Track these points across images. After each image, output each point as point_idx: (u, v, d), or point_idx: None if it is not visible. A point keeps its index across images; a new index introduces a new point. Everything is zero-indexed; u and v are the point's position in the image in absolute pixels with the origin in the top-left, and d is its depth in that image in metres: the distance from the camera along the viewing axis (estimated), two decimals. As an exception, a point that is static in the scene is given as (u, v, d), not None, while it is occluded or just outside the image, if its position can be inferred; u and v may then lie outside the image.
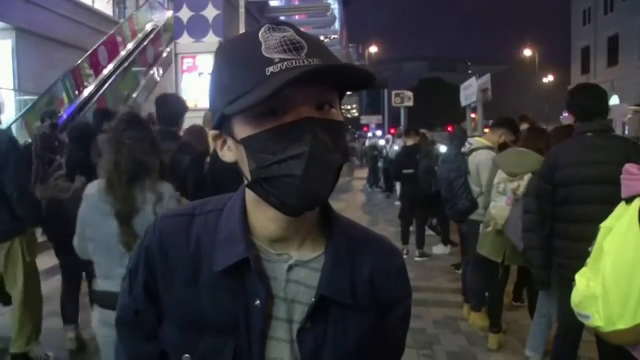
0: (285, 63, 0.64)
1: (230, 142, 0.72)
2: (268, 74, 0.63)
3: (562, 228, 2.57)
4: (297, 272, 0.75)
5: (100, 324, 1.97)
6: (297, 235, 0.76)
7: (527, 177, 3.20)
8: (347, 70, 0.65)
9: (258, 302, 0.72)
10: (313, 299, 0.73)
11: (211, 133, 0.75)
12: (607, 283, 1.57)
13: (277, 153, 0.65)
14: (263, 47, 0.66)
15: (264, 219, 0.74)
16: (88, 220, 2.05)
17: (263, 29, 0.68)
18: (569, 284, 1.82)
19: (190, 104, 11.35)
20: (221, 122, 0.71)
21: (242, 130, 0.68)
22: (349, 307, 0.75)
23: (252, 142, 0.67)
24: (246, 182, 0.73)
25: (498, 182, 3.38)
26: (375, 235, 0.87)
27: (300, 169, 0.65)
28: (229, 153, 0.73)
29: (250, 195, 0.75)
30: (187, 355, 0.74)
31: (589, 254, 1.75)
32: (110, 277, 1.96)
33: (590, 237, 1.78)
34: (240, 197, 0.78)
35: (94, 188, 2.05)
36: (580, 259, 1.83)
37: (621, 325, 1.54)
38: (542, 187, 2.64)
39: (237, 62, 0.68)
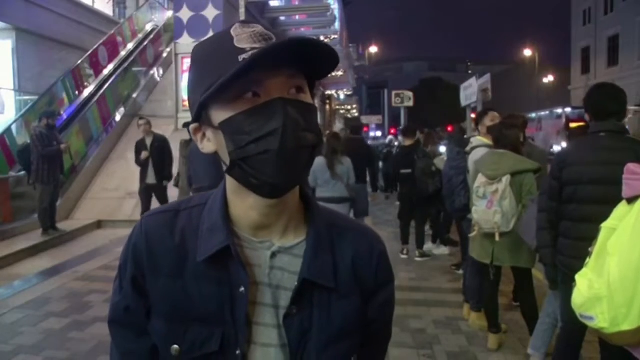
0: (256, 51, 0.69)
1: (209, 132, 0.76)
2: (240, 60, 0.68)
3: (566, 227, 2.56)
4: (280, 258, 0.78)
5: None
6: (278, 222, 0.79)
7: (505, 179, 3.18)
8: (310, 44, 0.69)
9: (242, 289, 0.75)
10: (296, 284, 0.76)
11: (191, 127, 0.79)
12: (613, 284, 1.56)
13: (252, 132, 0.69)
14: (235, 40, 0.71)
15: (245, 207, 0.78)
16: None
17: (234, 26, 0.73)
18: (572, 284, 1.82)
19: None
20: (199, 113, 0.75)
21: (219, 115, 0.72)
22: (332, 291, 0.78)
23: (229, 125, 0.71)
24: (225, 169, 0.76)
25: (478, 186, 3.36)
26: (355, 222, 0.91)
27: (275, 144, 0.69)
28: (209, 144, 0.77)
29: (230, 185, 0.79)
30: (175, 346, 0.76)
31: (589, 254, 1.75)
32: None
33: (593, 237, 1.77)
34: (221, 190, 0.81)
35: (320, 159, 4.74)
36: (583, 259, 1.82)
37: (626, 326, 1.54)
38: (550, 184, 2.63)
39: (212, 55, 0.73)
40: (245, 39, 0.71)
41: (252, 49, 0.69)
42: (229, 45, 0.71)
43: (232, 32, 0.72)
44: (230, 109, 0.71)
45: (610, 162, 2.31)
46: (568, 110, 22.58)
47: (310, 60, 0.72)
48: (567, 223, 2.55)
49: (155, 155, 6.95)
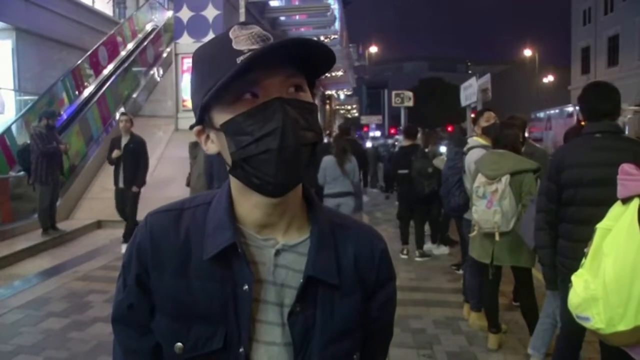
0: (253, 52, 0.69)
1: (212, 133, 0.77)
2: (238, 61, 0.69)
3: (566, 229, 2.55)
4: (284, 256, 0.79)
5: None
6: (282, 220, 0.80)
7: (504, 179, 3.19)
8: (305, 43, 0.70)
9: (246, 287, 0.75)
10: (301, 281, 0.77)
11: (194, 129, 0.80)
12: (609, 284, 1.56)
13: (253, 133, 0.71)
14: (233, 42, 0.72)
15: (249, 206, 0.79)
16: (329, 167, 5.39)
17: (232, 29, 0.74)
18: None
19: (189, 103, 11.55)
20: (202, 116, 0.77)
21: (221, 117, 0.73)
22: (335, 288, 0.79)
23: (230, 126, 0.72)
24: (228, 169, 0.77)
25: (477, 186, 3.37)
26: (357, 221, 0.91)
27: (275, 143, 0.70)
28: (212, 145, 0.78)
29: (235, 184, 0.79)
30: (179, 344, 0.76)
31: (585, 255, 1.74)
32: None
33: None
34: (226, 189, 0.82)
35: (329, 157, 5.37)
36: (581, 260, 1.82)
37: (622, 327, 1.53)
38: (548, 186, 2.62)
39: (211, 58, 0.74)
40: (243, 41, 0.72)
41: (250, 50, 0.70)
42: (228, 48, 0.71)
43: (231, 34, 0.73)
44: (230, 111, 0.72)
45: (610, 163, 2.29)
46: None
47: (307, 59, 0.73)
48: (567, 225, 2.54)
49: (128, 157, 6.33)
